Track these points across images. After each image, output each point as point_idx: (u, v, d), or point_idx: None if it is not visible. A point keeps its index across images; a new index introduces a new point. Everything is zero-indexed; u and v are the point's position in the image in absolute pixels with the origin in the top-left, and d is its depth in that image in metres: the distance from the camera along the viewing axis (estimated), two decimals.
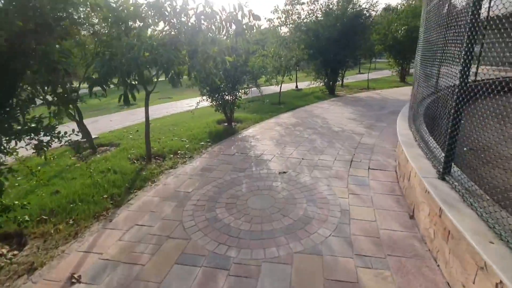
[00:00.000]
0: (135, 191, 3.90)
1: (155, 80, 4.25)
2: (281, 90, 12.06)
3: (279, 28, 8.39)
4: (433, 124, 4.11)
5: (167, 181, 4.13)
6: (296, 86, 14.39)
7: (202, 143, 5.93)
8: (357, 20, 11.23)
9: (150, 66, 3.17)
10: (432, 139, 3.28)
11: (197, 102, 7.10)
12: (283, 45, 9.65)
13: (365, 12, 11.52)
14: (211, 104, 7.27)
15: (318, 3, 11.24)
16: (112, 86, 3.69)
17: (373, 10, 11.75)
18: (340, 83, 14.65)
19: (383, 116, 7.66)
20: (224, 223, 2.97)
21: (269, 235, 2.75)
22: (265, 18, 10.68)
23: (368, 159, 4.61)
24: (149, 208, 3.38)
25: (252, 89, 7.86)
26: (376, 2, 11.42)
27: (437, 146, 3.10)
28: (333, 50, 11.08)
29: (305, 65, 13.09)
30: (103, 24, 3.76)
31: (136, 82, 3.48)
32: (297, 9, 10.77)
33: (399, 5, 15.10)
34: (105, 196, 3.71)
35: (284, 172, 4.23)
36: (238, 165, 4.61)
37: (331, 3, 11.15)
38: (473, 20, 2.17)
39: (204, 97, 7.10)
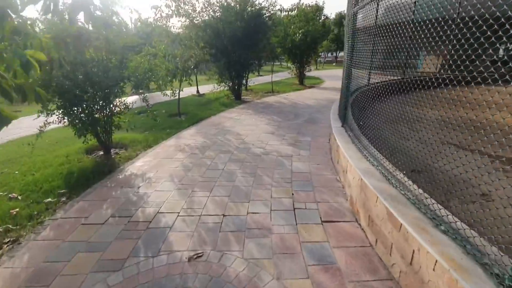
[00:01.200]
0: None
1: None
2: (181, 96, 10.06)
3: (168, 19, 6.40)
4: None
5: None
6: (198, 91, 12.54)
7: (50, 199, 3.47)
8: (259, 19, 10.28)
9: None
10: (421, 191, 2.16)
11: (41, 126, 4.41)
12: (177, 42, 7.66)
13: (264, 11, 10.68)
14: (69, 124, 4.69)
15: None
16: None
17: (272, 10, 11.04)
18: (245, 86, 13.65)
19: (303, 127, 6.76)
20: None
21: None
22: (150, 6, 8.36)
23: (314, 202, 3.31)
24: None
25: (144, 95, 5.58)
26: (275, 1, 10.68)
27: (436, 207, 1.96)
28: (238, 51, 9.79)
29: (204, 67, 11.44)
30: None
31: None
32: None
33: (293, 7, 15.14)
34: None
35: (199, 256, 2.44)
36: (111, 251, 2.53)
37: None
38: None
39: (55, 116, 4.49)
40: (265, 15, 10.59)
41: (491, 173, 1.78)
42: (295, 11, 15.96)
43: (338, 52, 54.57)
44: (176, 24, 10.06)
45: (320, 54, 33.22)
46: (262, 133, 6.28)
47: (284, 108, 9.23)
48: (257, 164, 4.49)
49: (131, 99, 5.45)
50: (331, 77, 20.83)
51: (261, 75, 23.19)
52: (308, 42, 14.66)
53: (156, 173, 4.20)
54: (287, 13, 15.17)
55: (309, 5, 21.79)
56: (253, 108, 9.41)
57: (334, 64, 41.64)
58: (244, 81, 11.82)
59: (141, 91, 5.18)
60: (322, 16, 27.83)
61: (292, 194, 3.51)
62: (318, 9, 23.78)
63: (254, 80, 17.77)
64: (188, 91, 13.06)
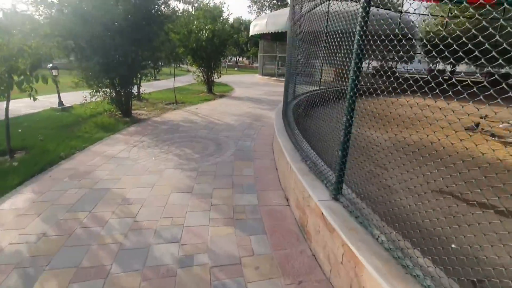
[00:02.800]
0: None
1: None
2: (32, 111, 6.26)
3: None
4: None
5: None
6: (61, 103, 8.41)
7: None
8: (152, 4, 7.34)
9: None
10: None
11: None
12: None
13: None
14: None
15: None
16: None
17: None
18: (137, 96, 10.25)
19: (235, 171, 4.38)
20: None
21: None
22: None
23: None
24: None
25: None
26: None
27: None
28: (122, 47, 6.58)
29: (58, 65, 7.71)
30: None
31: None
32: None
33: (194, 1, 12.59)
34: None
35: None
36: None
37: None
38: None
39: None
40: (160, 1, 7.71)
41: None
42: (196, 4, 13.45)
43: (238, 57, 54.92)
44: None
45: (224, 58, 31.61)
46: (171, 192, 3.58)
47: (198, 131, 6.62)
48: None
49: None
50: (239, 84, 19.20)
51: (158, 79, 19.55)
52: (216, 44, 12.41)
53: None
54: (189, 6, 12.52)
55: (210, 3, 19.62)
56: (151, 133, 6.41)
57: (236, 69, 40.82)
58: (135, 90, 8.52)
59: None
60: (223, 18, 26.23)
61: None
62: (218, 9, 22.04)
63: (149, 86, 14.33)
64: (45, 102, 8.74)
